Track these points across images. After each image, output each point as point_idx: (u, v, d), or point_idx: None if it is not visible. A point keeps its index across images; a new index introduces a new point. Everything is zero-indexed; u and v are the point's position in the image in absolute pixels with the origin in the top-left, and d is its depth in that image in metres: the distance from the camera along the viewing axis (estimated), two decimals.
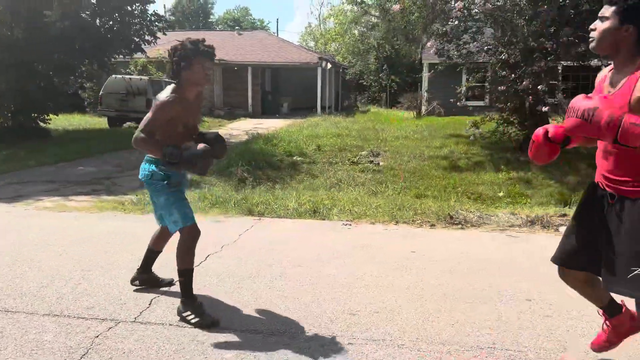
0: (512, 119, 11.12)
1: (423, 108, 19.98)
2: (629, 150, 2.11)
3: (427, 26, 12.10)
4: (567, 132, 2.28)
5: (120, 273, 3.98)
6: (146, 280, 3.69)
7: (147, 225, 5.63)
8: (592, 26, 2.25)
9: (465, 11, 10.46)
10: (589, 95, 2.19)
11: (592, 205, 2.41)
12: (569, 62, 11.15)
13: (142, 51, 14.30)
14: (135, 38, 13.58)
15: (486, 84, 12.44)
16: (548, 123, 10.57)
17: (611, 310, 2.65)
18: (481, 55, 11.12)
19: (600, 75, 2.41)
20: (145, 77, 17.11)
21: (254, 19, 55.58)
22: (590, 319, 3.20)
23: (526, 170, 9.51)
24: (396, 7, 12.27)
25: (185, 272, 3.19)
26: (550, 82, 9.52)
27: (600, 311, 2.71)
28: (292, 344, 2.89)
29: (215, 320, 3.13)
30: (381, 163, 10.38)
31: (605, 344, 2.71)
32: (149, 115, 3.08)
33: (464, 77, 19.57)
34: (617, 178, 2.25)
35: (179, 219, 3.18)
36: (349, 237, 5.12)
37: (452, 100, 12.83)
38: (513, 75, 9.90)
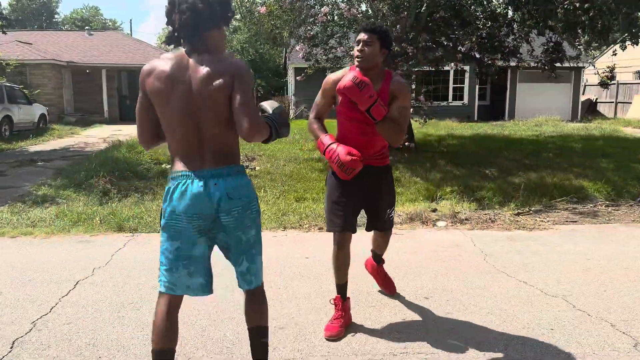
0: None
1: (291, 112, 20.13)
2: (375, 135, 2.98)
3: (294, 30, 12.12)
4: (342, 90, 2.87)
5: None
6: None
7: None
8: (360, 48, 2.94)
9: (330, 16, 10.66)
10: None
11: (353, 179, 3.00)
12: (426, 67, 11.87)
13: None
14: None
15: None
16: (410, 123, 11.22)
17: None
18: (348, 59, 11.39)
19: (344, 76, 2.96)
20: None
21: (104, 19, 52.00)
22: (487, 311, 3.29)
23: (394, 170, 9.92)
24: (262, 9, 12.11)
25: (267, 329, 2.46)
26: (413, 85, 10.02)
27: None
28: None
29: None
30: (257, 167, 10.16)
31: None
32: (249, 98, 2.11)
33: None
34: (370, 154, 3.05)
35: (261, 265, 2.40)
36: None
37: None
38: None
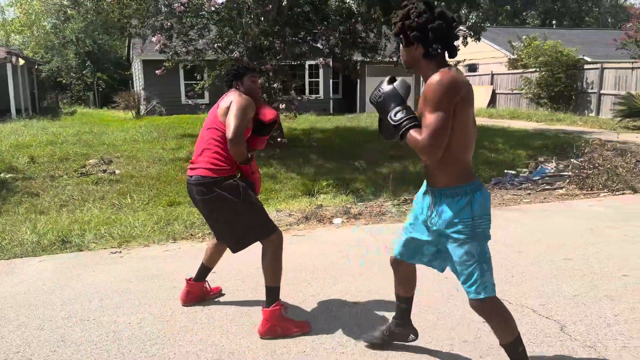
0: None
1: (142, 107, 18.77)
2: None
3: (146, 20, 11.22)
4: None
5: None
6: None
7: None
8: None
9: (187, 7, 10.04)
10: None
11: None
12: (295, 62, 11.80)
13: None
14: None
15: (205, 83, 12.11)
16: (280, 119, 11.10)
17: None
18: (210, 52, 10.87)
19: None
20: None
21: None
22: (420, 309, 3.26)
23: (269, 167, 9.72)
24: None
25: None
26: (284, 80, 9.90)
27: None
28: None
29: None
30: (117, 171, 9.21)
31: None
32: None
33: (182, 75, 19.18)
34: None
35: None
36: (128, 268, 4.22)
37: (186, 99, 12.26)
38: None
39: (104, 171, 9.24)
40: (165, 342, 2.91)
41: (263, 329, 2.93)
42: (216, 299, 3.54)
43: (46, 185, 8.32)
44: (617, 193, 6.85)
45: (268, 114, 3.09)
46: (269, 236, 3.01)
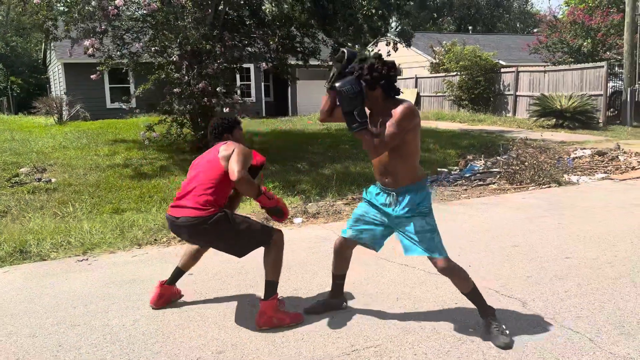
0: (185, 121, 11.11)
1: (65, 113, 17.93)
2: None
3: (78, 23, 10.83)
4: None
5: None
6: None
7: None
8: None
9: (120, 11, 9.83)
10: None
11: None
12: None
13: None
14: None
15: (133, 87, 11.88)
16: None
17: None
18: (146, 56, 10.67)
19: None
20: None
21: None
22: (396, 296, 3.53)
23: None
24: None
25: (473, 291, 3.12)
26: (226, 83, 9.93)
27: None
28: None
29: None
30: (53, 180, 8.86)
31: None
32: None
33: (107, 79, 18.55)
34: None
35: None
36: (101, 275, 4.19)
37: (119, 103, 11.93)
38: (187, 77, 9.89)
39: (39, 180, 8.87)
40: (165, 339, 3.00)
41: (261, 320, 3.10)
42: (203, 300, 3.64)
43: None
44: (544, 186, 7.56)
45: (257, 158, 3.40)
46: (271, 239, 3.23)
